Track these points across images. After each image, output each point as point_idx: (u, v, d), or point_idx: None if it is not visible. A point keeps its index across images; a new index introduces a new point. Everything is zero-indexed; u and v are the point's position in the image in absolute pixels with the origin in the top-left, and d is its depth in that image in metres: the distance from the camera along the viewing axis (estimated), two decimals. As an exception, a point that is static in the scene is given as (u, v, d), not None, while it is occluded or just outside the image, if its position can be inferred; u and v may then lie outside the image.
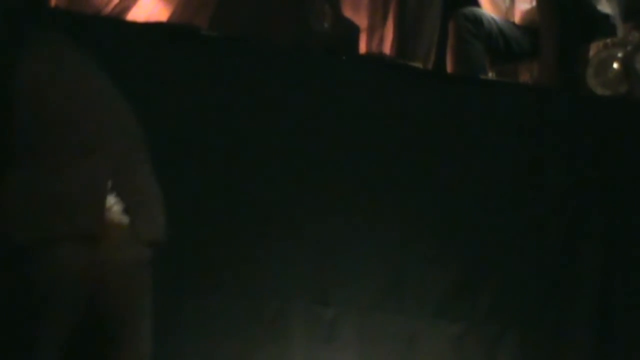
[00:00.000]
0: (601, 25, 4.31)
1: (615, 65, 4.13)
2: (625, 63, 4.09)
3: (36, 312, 2.29)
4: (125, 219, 2.36)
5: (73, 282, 2.31)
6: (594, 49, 4.19)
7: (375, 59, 4.15)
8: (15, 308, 2.29)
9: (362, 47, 4.36)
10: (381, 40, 4.33)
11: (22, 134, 2.33)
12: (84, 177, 2.35)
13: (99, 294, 2.35)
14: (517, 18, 4.61)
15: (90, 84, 2.48)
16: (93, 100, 2.45)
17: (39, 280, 2.28)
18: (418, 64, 4.18)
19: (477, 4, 4.62)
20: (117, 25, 3.68)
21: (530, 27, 4.50)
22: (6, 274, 2.28)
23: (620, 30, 4.36)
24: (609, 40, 4.20)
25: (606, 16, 4.34)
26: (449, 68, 4.41)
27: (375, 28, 4.34)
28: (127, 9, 3.95)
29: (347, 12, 4.39)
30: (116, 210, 2.37)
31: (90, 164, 2.37)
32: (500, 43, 4.45)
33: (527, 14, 4.55)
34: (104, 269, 2.35)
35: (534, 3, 4.49)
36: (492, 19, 4.49)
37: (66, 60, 2.47)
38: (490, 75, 4.52)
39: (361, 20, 4.39)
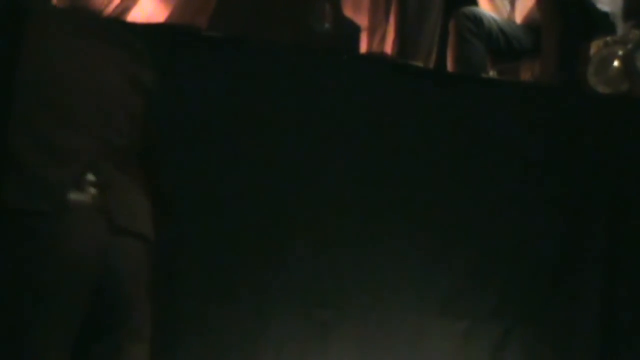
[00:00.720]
0: (601, 23, 4.32)
1: (615, 63, 4.13)
2: (626, 61, 4.09)
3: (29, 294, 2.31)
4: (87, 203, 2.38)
5: (60, 256, 2.32)
6: (594, 47, 4.20)
7: (376, 58, 4.15)
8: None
9: (363, 47, 4.36)
10: (382, 39, 4.33)
11: (19, 99, 2.36)
12: (61, 154, 2.37)
13: (108, 278, 2.36)
14: (517, 17, 4.61)
15: (92, 57, 2.49)
16: (91, 74, 2.47)
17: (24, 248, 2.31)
18: (419, 64, 4.19)
19: (477, 4, 4.63)
20: (118, 26, 3.68)
21: (531, 26, 4.50)
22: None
23: (620, 28, 4.36)
24: (609, 39, 4.20)
25: (605, 14, 4.35)
26: (450, 67, 4.41)
27: (376, 28, 4.35)
28: (127, 9, 3.94)
29: (348, 12, 4.39)
30: (87, 195, 2.38)
31: (73, 141, 2.38)
32: (501, 42, 4.46)
33: (528, 12, 4.55)
34: (111, 255, 2.36)
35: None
36: (492, 18, 4.50)
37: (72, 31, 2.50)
38: (492, 74, 4.53)
39: (362, 20, 4.39)
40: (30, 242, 2.30)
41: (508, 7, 4.66)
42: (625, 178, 3.83)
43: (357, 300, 3.47)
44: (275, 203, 3.47)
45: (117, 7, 3.94)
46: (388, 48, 4.30)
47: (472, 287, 3.56)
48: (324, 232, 3.50)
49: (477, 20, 4.41)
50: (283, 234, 3.46)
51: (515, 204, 3.69)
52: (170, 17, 4.09)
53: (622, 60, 4.11)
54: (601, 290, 3.69)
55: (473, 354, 3.53)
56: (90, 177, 2.40)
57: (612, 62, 4.13)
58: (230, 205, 3.41)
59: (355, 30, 4.30)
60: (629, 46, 4.13)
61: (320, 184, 3.54)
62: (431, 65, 4.33)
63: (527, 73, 4.66)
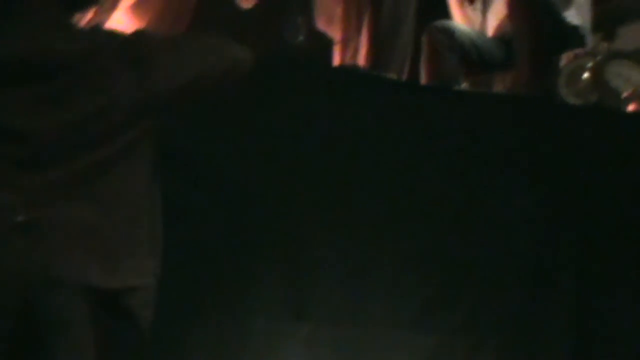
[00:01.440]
0: (571, 36, 4.37)
1: (585, 75, 4.18)
2: (595, 73, 4.15)
3: None
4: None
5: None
6: (564, 59, 4.25)
7: (349, 70, 4.17)
8: None
9: (337, 59, 4.39)
10: (355, 52, 4.35)
11: None
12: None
13: (37, 302, 2.31)
14: (490, 30, 4.65)
15: None
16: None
17: None
18: (392, 76, 4.21)
19: (450, 17, 4.65)
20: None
21: (503, 38, 4.54)
22: None
23: (590, 41, 4.42)
24: (579, 51, 4.26)
25: (575, 27, 4.40)
26: (423, 80, 4.44)
27: (349, 40, 4.37)
28: (101, 24, 3.95)
29: (321, 25, 4.41)
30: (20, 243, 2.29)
31: (8, 177, 2.30)
32: (473, 54, 4.49)
33: (500, 24, 4.59)
34: (40, 307, 2.31)
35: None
36: (465, 30, 4.53)
37: None
38: (465, 86, 4.55)
39: (335, 33, 4.42)
40: None
41: (480, 18, 4.69)
42: (596, 187, 3.85)
43: (330, 316, 3.47)
44: (252, 215, 3.48)
45: (90, 20, 3.95)
46: (361, 60, 4.33)
47: (442, 303, 3.57)
48: (301, 244, 3.51)
49: (449, 33, 4.44)
50: (260, 247, 3.46)
51: (487, 216, 3.71)
52: (144, 31, 4.10)
53: (592, 72, 4.17)
54: (575, 302, 3.70)
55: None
56: (27, 220, 2.27)
57: (582, 73, 4.18)
58: (208, 217, 3.42)
59: (328, 42, 4.32)
60: (598, 58, 4.18)
61: (297, 197, 3.55)
62: (404, 77, 4.36)
63: (499, 85, 4.70)
